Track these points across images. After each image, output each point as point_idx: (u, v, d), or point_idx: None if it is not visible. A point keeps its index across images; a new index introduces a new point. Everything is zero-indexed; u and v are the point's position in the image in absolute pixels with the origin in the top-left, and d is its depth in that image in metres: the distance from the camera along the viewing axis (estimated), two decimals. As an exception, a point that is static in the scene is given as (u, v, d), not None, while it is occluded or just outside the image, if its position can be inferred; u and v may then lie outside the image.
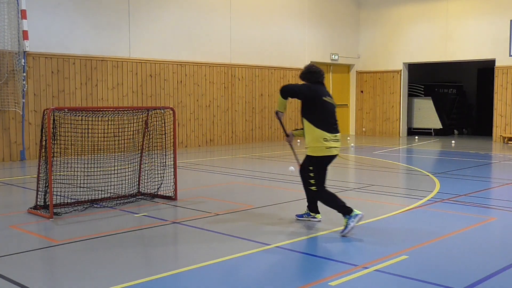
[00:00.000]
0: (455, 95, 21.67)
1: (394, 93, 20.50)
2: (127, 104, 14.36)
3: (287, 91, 6.10)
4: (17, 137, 12.55)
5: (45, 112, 6.82)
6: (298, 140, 18.37)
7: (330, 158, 6.05)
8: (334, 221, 6.43)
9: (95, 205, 7.37)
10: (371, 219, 6.60)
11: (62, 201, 7.23)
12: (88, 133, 8.36)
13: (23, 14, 12.17)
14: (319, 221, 6.40)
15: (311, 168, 6.01)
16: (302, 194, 6.57)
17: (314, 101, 6.02)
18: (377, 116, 20.95)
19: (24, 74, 12.34)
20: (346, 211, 5.87)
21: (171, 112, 8.09)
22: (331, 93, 7.19)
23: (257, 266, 4.89)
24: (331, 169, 6.39)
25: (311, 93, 6.04)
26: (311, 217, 6.44)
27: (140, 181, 8.12)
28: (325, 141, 5.93)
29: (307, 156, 6.10)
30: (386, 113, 20.75)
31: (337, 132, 6.07)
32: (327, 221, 6.45)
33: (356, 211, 5.87)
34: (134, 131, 8.29)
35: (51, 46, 13.02)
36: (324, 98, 6.04)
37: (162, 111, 8.19)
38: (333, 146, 6.00)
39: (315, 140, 5.96)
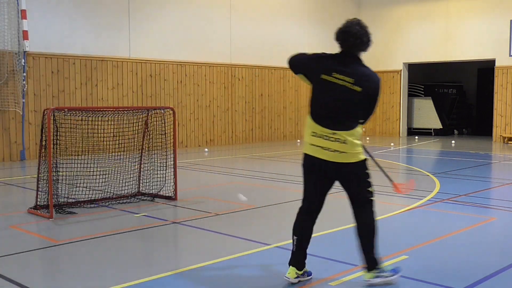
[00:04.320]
0: (455, 95, 21.66)
1: (394, 93, 20.50)
2: (127, 104, 14.35)
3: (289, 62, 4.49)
4: (17, 137, 12.55)
5: (45, 112, 6.81)
6: (298, 140, 18.42)
7: (316, 161, 4.24)
8: (334, 221, 6.42)
9: (95, 205, 7.37)
10: (371, 219, 6.59)
11: (63, 201, 7.23)
12: (88, 133, 8.36)
13: (23, 14, 12.17)
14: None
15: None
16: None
17: (312, 78, 4.36)
18: (377, 116, 20.93)
19: (24, 74, 12.33)
20: (294, 261, 4.37)
21: (171, 112, 8.09)
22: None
23: (257, 266, 4.89)
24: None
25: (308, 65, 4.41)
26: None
27: (140, 181, 8.12)
28: (313, 135, 4.24)
29: None
30: (386, 113, 20.74)
31: (332, 127, 4.21)
32: (326, 221, 6.43)
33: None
34: (134, 131, 8.29)
35: (51, 46, 13.01)
36: (324, 76, 4.24)
37: (162, 111, 8.20)
38: (319, 146, 4.20)
39: (305, 132, 4.38)
